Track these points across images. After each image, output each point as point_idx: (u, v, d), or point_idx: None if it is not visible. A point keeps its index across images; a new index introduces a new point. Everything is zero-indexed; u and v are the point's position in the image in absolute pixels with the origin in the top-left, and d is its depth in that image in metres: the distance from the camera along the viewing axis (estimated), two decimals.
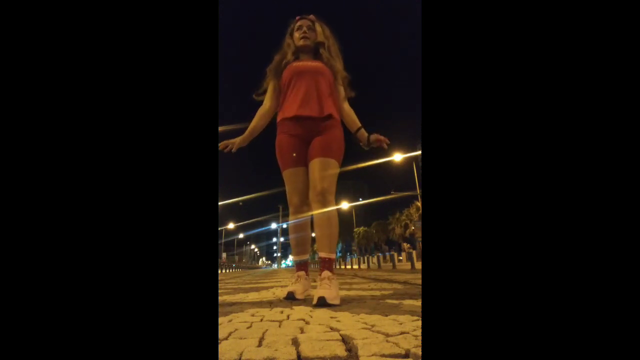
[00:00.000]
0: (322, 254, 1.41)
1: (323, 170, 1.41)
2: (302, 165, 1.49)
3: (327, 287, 1.28)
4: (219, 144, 1.51)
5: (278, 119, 1.55)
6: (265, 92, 1.62)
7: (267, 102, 1.60)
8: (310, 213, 1.49)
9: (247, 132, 1.58)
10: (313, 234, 1.54)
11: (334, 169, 1.45)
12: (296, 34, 1.59)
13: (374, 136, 1.52)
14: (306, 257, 1.56)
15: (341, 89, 1.58)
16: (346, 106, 1.61)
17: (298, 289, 1.44)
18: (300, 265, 1.54)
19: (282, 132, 1.52)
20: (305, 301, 1.36)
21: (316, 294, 1.25)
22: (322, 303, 1.19)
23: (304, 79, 1.50)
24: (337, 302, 1.24)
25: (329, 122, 1.48)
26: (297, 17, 1.62)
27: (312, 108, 1.46)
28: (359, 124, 1.57)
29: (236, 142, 1.53)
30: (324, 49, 1.56)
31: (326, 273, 1.34)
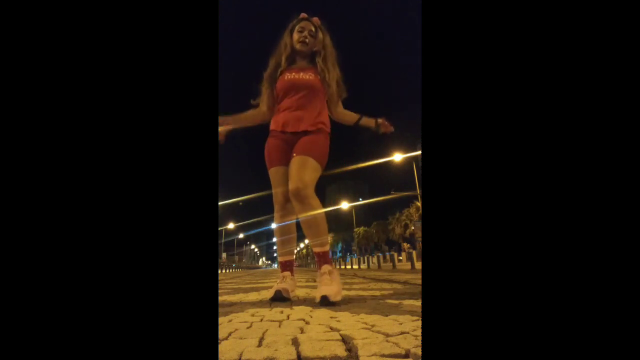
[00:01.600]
0: (316, 249, 1.39)
1: (300, 167, 1.40)
2: (287, 165, 1.49)
3: (328, 284, 1.26)
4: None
5: (271, 127, 1.57)
6: (261, 95, 1.63)
7: (263, 106, 1.62)
8: (294, 215, 1.49)
9: (233, 118, 1.59)
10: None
11: (313, 167, 1.42)
12: (296, 36, 1.55)
13: (381, 120, 1.59)
14: (292, 257, 1.57)
15: (334, 97, 1.58)
16: (340, 109, 1.64)
17: (285, 287, 1.42)
18: (286, 266, 1.53)
19: (272, 136, 1.56)
20: (306, 301, 1.36)
21: (318, 292, 1.22)
22: (325, 302, 1.17)
23: (296, 95, 1.50)
24: (339, 298, 1.23)
25: (317, 132, 1.49)
26: (302, 15, 1.58)
27: (303, 124, 1.48)
28: (358, 115, 1.63)
29: (221, 132, 1.53)
30: (320, 57, 1.55)
31: (325, 267, 1.32)
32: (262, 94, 1.62)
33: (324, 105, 1.55)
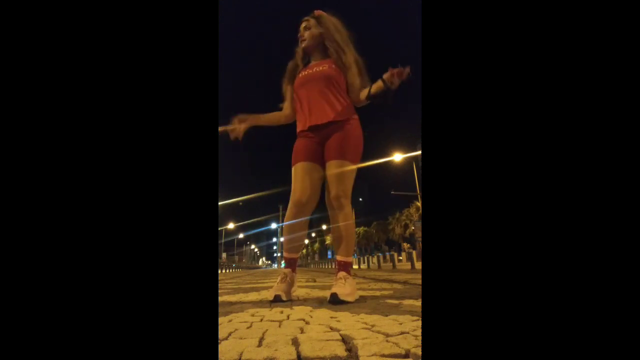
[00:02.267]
0: (340, 257, 1.43)
1: (339, 173, 1.40)
2: (314, 161, 1.47)
3: (341, 285, 1.30)
4: (220, 129, 1.48)
5: (297, 129, 1.56)
6: (285, 100, 1.64)
7: (287, 109, 1.63)
8: (309, 214, 1.49)
9: (252, 117, 1.56)
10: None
11: (351, 172, 1.43)
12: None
13: (387, 73, 1.32)
14: (297, 255, 1.55)
15: (356, 80, 1.51)
16: (363, 93, 1.53)
17: (284, 290, 1.41)
18: (290, 263, 1.51)
19: (300, 136, 1.54)
20: (306, 301, 1.36)
21: (330, 291, 1.27)
22: (334, 300, 1.21)
23: (313, 89, 1.49)
24: (350, 299, 1.26)
25: (345, 123, 1.46)
26: (315, 12, 1.59)
27: (326, 115, 1.45)
28: (368, 86, 1.48)
29: (240, 129, 1.50)
30: (330, 41, 1.52)
31: (342, 274, 1.36)
32: (285, 97, 1.63)
33: (344, 94, 1.51)
